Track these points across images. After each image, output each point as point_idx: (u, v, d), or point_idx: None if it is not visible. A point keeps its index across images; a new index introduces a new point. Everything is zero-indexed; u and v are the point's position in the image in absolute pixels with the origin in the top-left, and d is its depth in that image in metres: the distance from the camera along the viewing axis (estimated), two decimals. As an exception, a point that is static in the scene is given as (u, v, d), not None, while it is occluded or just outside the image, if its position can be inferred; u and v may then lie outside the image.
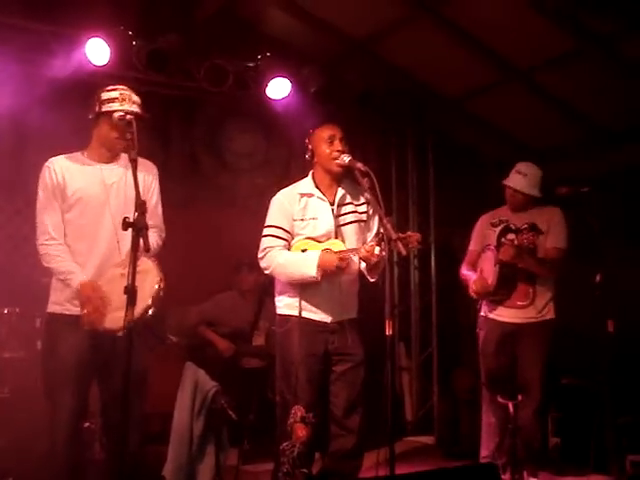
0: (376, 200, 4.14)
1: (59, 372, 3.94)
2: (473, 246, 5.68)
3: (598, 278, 4.98)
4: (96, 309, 3.81)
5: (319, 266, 4.28)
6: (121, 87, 4.07)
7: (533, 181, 5.41)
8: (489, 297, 5.42)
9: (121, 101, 3.98)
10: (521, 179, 5.41)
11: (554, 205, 5.49)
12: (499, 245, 5.41)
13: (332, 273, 4.32)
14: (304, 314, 4.40)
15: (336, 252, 4.34)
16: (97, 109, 4.02)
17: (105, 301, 3.82)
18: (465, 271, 5.63)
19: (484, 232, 5.60)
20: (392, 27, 6.69)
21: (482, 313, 5.54)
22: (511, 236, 5.43)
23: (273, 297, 4.64)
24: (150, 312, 3.74)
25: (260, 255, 4.49)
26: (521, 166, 5.46)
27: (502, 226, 5.49)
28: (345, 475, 4.37)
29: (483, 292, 5.40)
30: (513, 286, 5.35)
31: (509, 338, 5.37)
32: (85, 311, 3.83)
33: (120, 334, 3.68)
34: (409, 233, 4.09)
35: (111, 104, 3.98)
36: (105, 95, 4.02)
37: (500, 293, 5.36)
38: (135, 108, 3.99)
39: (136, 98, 4.05)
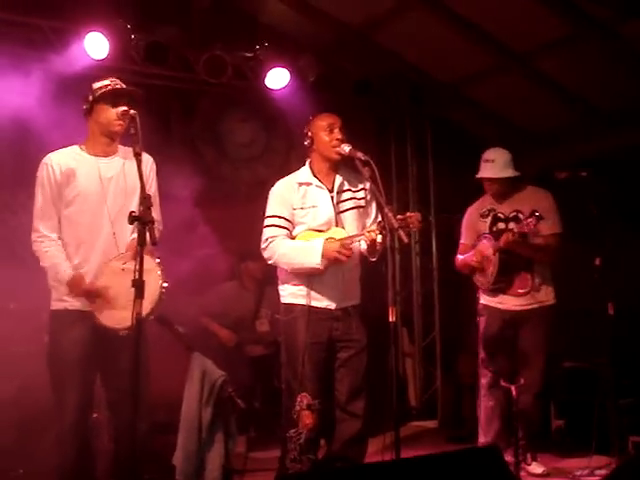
0: (377, 189, 4.18)
1: (64, 366, 3.97)
2: (465, 239, 5.61)
3: (598, 261, 5.02)
4: (100, 299, 3.88)
5: (323, 255, 4.31)
6: (111, 78, 4.14)
7: (502, 164, 5.37)
8: (490, 286, 5.38)
9: (113, 85, 4.04)
10: (490, 167, 5.39)
11: (538, 187, 5.50)
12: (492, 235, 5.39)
13: (336, 261, 4.35)
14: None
15: (339, 239, 4.37)
16: (91, 98, 4.06)
17: (105, 292, 3.88)
18: (460, 257, 5.58)
19: (475, 224, 5.54)
20: (388, 13, 6.71)
21: (482, 301, 5.52)
22: (501, 225, 5.42)
23: (274, 285, 4.67)
24: (152, 316, 3.79)
25: (263, 245, 4.52)
26: (487, 154, 5.45)
27: (491, 216, 5.47)
28: (350, 460, 4.41)
29: (483, 263, 5.33)
30: (513, 274, 5.34)
31: (511, 324, 5.38)
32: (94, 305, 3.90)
33: (122, 334, 3.74)
34: (409, 214, 4.15)
35: (104, 89, 4.03)
36: (97, 84, 4.07)
37: (500, 281, 5.33)
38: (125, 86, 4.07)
39: (125, 85, 4.12)
